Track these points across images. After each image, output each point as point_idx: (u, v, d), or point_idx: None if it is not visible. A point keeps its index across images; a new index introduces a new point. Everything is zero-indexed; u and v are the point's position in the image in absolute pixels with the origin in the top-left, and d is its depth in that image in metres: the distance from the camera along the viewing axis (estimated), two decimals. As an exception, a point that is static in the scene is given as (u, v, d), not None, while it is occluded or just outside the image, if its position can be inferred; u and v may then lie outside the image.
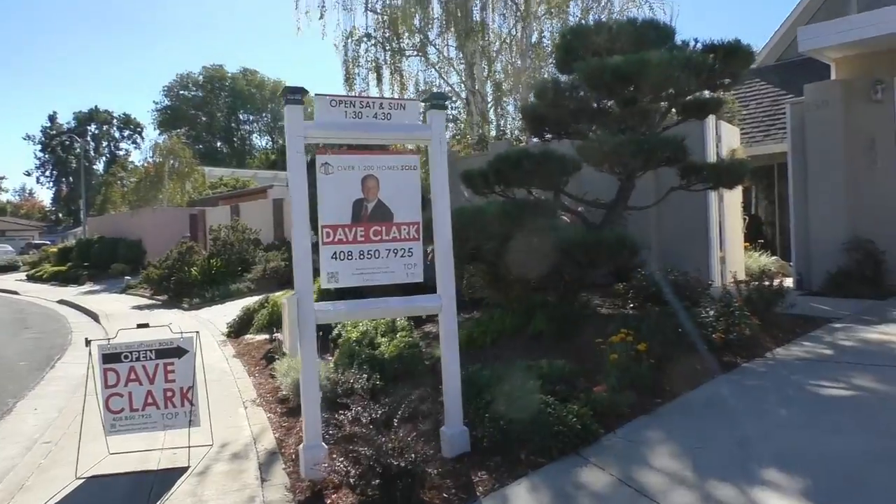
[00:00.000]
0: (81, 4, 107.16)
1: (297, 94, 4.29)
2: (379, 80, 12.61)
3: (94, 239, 32.42)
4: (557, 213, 7.87)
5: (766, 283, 7.15)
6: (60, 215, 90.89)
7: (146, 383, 5.27)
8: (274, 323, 11.04)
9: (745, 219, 10.90)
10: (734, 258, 10.22)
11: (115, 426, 5.29)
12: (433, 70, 13.20)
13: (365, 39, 12.85)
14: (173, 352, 5.30)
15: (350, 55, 12.55)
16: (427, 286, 4.78)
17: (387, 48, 12.62)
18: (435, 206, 4.67)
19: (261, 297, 14.89)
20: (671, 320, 6.02)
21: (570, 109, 7.63)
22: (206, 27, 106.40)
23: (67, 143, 78.69)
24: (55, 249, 34.93)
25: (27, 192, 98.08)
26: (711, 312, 6.37)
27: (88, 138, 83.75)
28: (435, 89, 13.00)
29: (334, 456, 4.42)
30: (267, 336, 10.35)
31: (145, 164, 34.45)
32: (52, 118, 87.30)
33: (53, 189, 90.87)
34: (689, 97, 7.82)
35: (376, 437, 4.13)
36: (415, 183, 4.66)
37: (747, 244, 11.89)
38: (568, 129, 7.91)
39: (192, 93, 75.15)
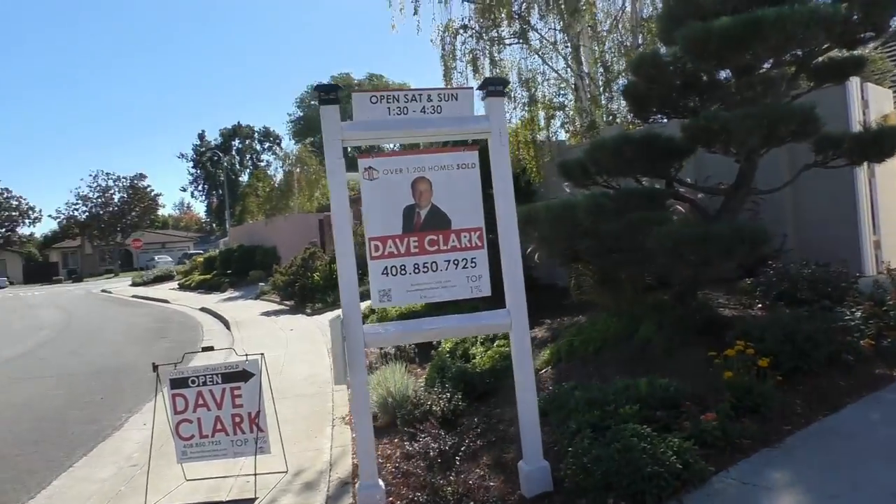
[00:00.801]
0: (217, 34, 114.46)
1: (332, 93, 3.83)
2: (475, 71, 12.00)
3: (234, 248, 34.23)
4: (667, 202, 6.95)
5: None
6: (214, 226, 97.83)
7: (214, 409, 5.04)
8: (382, 329, 10.81)
9: (903, 195, 9.32)
10: (893, 243, 8.74)
11: (186, 453, 5.11)
12: (536, 56, 12.41)
13: (461, 31, 12.30)
14: (239, 375, 5.03)
15: (447, 49, 12.07)
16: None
17: (484, 37, 11.98)
18: (499, 208, 4.06)
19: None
20: (806, 324, 5.01)
21: (676, 85, 6.70)
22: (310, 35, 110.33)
23: (215, 158, 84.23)
24: (201, 259, 37.25)
25: (185, 206, 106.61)
26: (858, 313, 5.29)
27: (233, 152, 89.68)
28: (539, 77, 12.23)
29: (394, 497, 3.93)
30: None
31: (273, 175, 36.02)
32: (200, 136, 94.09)
33: (206, 202, 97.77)
34: (820, 58, 6.65)
35: (434, 479, 3.60)
36: (474, 182, 4.07)
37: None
38: (676, 107, 6.97)
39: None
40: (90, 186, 63.57)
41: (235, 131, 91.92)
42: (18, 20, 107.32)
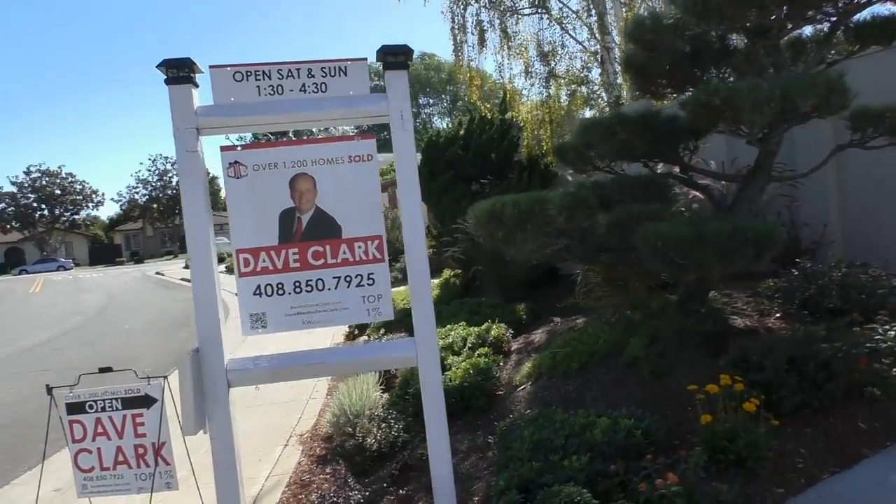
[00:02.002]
0: (278, 13, 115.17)
1: (182, 69, 3.05)
2: (482, 45, 11.00)
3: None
4: (673, 192, 5.94)
5: None
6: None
7: (115, 438, 4.35)
8: (392, 325, 10.11)
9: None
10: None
11: (87, 486, 4.45)
12: (557, 27, 11.32)
13: (472, 1, 11.30)
14: (140, 401, 4.34)
15: (457, 21, 11.13)
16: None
17: (497, 6, 10.95)
18: (402, 208, 3.22)
19: (395, 289, 14.19)
20: (820, 346, 4.01)
21: (683, 53, 5.65)
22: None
23: (273, 138, 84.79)
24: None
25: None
26: (892, 332, 4.24)
27: (290, 134, 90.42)
28: (559, 49, 11.13)
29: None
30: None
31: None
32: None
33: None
34: (859, 14, 5.50)
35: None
36: (370, 179, 3.25)
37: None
38: (685, 79, 5.92)
39: (375, 82, 77.46)
40: (149, 170, 65.07)
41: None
42: (68, 19, 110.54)
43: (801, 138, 7.63)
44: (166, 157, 65.60)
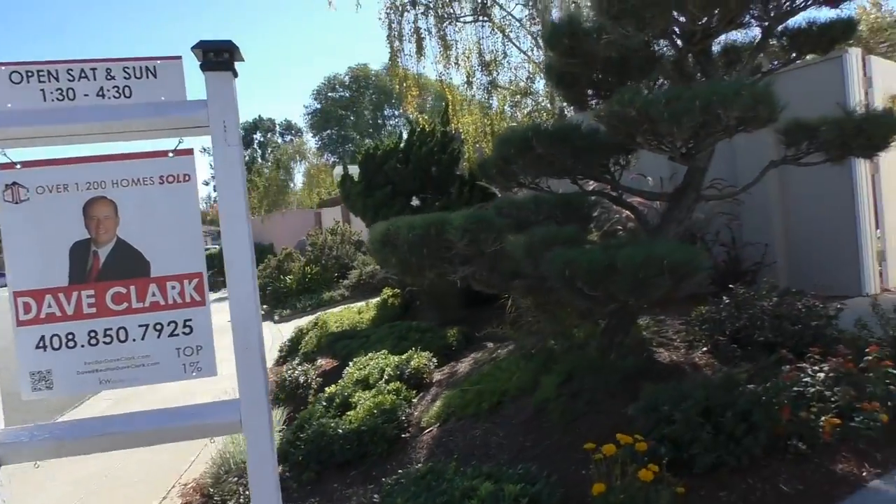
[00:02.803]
0: (234, 26, 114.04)
1: (-60, 69, 2.44)
2: (420, 53, 10.50)
3: (231, 245, 33.18)
4: (592, 212, 5.45)
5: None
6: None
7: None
8: (321, 350, 9.48)
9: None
10: (904, 252, 7.13)
11: None
12: (499, 35, 10.85)
13: (409, 7, 10.77)
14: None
15: (393, 28, 10.61)
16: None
17: (436, 13, 10.44)
18: (226, 236, 2.65)
19: (336, 309, 13.54)
20: (740, 393, 3.51)
21: (605, 60, 5.18)
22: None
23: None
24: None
25: (213, 199, 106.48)
26: (821, 373, 3.77)
27: (255, 146, 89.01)
28: (502, 60, 10.65)
29: None
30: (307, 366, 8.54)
31: (267, 168, 34.88)
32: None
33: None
34: (794, 20, 5.09)
35: None
36: (187, 204, 2.66)
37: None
38: (614, 89, 5.44)
39: (340, 94, 76.77)
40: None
41: (257, 125, 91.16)
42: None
43: (744, 152, 7.25)
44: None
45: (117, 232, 2.61)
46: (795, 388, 3.70)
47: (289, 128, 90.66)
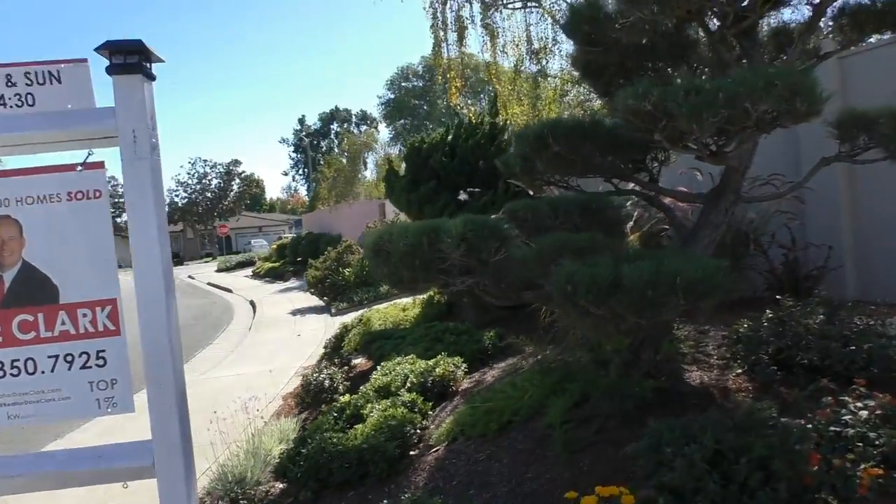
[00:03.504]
0: (313, 21, 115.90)
1: None
2: (461, 42, 10.06)
3: (302, 235, 33.76)
4: (617, 215, 4.95)
5: None
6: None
7: None
8: (360, 350, 9.25)
9: None
10: None
11: None
12: (549, 20, 10.27)
13: (454, -5, 10.35)
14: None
15: (437, 18, 10.23)
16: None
17: (483, 1, 9.97)
18: (135, 260, 2.38)
19: (382, 305, 13.33)
20: (761, 435, 3.01)
21: (630, 47, 4.66)
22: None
23: (315, 142, 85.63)
24: (275, 246, 37.06)
25: (293, 189, 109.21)
26: (865, 411, 3.21)
27: (332, 136, 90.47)
28: (549, 47, 10.08)
29: None
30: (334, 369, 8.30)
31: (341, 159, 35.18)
32: (301, 121, 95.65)
33: (306, 186, 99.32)
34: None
35: None
36: (99, 223, 2.41)
37: None
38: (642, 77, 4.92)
39: (413, 83, 76.88)
40: (189, 173, 65.81)
41: (333, 115, 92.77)
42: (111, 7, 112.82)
43: (808, 143, 6.53)
44: (205, 160, 66.34)
45: (23, 254, 2.38)
46: (833, 428, 3.16)
47: (364, 118, 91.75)
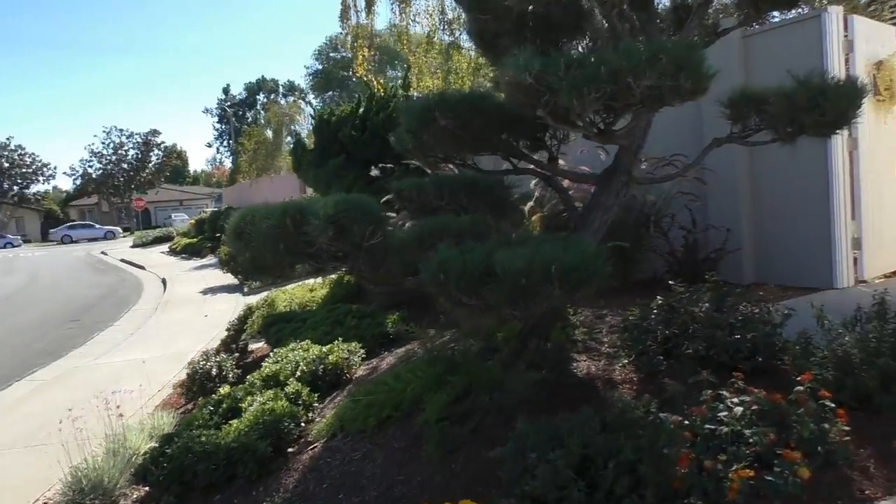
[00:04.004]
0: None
1: None
2: (369, 7, 9.58)
3: (221, 210, 32.57)
4: (506, 196, 4.70)
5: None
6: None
7: None
8: (263, 332, 8.76)
9: (905, 174, 6.80)
10: (883, 234, 6.34)
11: None
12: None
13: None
14: None
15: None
16: None
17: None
18: None
19: (290, 286, 12.86)
20: (637, 433, 2.82)
21: (522, 15, 4.39)
22: None
23: (241, 113, 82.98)
24: (194, 222, 35.65)
25: (218, 161, 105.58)
26: (740, 407, 3.07)
27: (258, 107, 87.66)
28: (464, 17, 9.69)
29: None
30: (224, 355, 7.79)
31: (255, 130, 34.03)
32: (225, 91, 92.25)
33: (231, 159, 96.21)
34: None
35: None
36: None
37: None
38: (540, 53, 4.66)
39: (342, 54, 75.15)
40: (104, 143, 62.64)
41: (260, 85, 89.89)
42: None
43: (713, 121, 6.43)
44: (121, 130, 63.24)
45: None
46: (708, 426, 3.00)
47: (292, 89, 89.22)
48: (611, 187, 4.32)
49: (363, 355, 6.34)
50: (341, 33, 9.57)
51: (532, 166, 4.90)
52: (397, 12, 9.65)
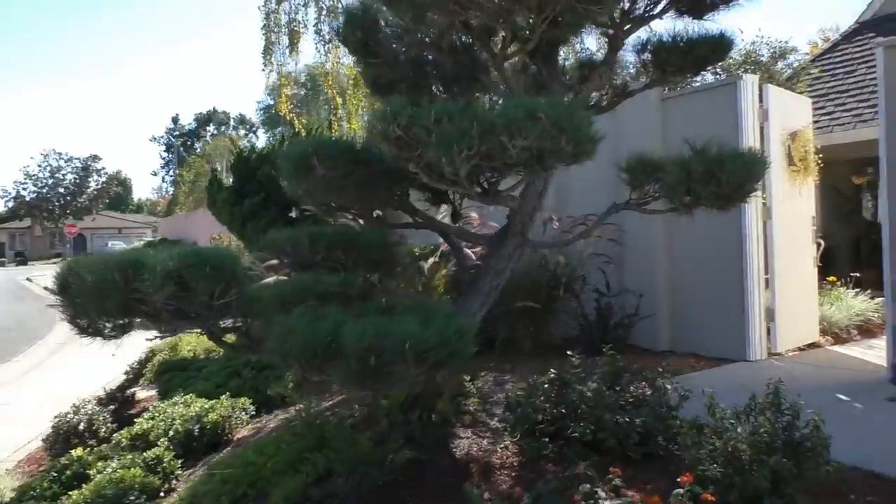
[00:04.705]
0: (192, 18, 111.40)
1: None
2: (293, 45, 9.29)
3: (155, 241, 31.52)
4: (396, 252, 4.33)
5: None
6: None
7: None
8: (157, 379, 8.08)
9: (819, 243, 6.73)
10: (797, 305, 6.19)
11: None
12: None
13: (286, -3, 9.55)
14: None
15: (271, 19, 9.40)
16: None
17: (319, 4, 9.24)
18: None
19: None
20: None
21: (423, 64, 4.11)
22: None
23: (189, 143, 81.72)
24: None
25: (164, 190, 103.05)
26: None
27: (208, 138, 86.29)
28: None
29: None
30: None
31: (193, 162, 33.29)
32: (174, 120, 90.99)
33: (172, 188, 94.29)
34: (654, 33, 4.10)
35: None
36: None
37: (835, 278, 7.67)
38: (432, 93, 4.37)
39: (295, 91, 74.91)
40: (40, 165, 60.46)
41: (210, 117, 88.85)
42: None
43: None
44: (60, 153, 61.20)
45: None
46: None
47: (242, 122, 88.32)
48: (502, 250, 4.01)
49: (252, 412, 5.84)
50: (264, 70, 9.26)
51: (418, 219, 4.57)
52: (322, 52, 9.37)
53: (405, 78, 4.35)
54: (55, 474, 4.49)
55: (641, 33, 4.21)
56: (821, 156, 6.61)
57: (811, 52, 10.63)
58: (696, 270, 6.13)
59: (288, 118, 10.08)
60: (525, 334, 6.16)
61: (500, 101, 4.26)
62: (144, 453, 4.65)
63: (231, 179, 10.96)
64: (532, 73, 4.46)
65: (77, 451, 4.87)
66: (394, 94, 4.54)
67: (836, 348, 6.25)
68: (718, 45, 4.15)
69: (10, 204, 60.99)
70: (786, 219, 6.00)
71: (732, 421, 3.26)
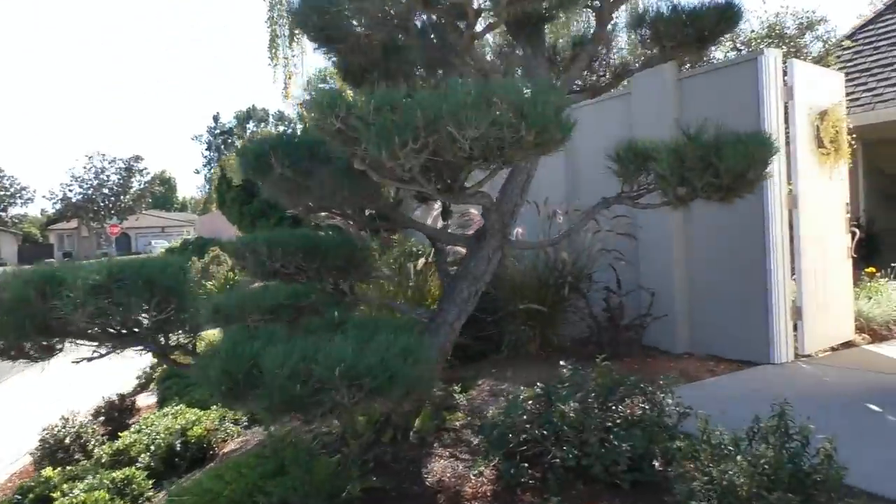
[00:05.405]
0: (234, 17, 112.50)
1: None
2: (292, 38, 8.96)
3: (192, 239, 31.82)
4: (364, 256, 3.96)
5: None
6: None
7: None
8: (160, 385, 7.88)
9: (853, 232, 6.13)
10: (828, 301, 5.63)
11: None
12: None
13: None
14: None
15: (276, 12, 9.09)
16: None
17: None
18: None
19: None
20: None
21: (392, 48, 3.73)
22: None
23: (229, 141, 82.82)
24: (162, 251, 34.87)
25: (206, 189, 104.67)
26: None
27: (247, 135, 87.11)
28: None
29: None
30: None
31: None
32: (215, 119, 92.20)
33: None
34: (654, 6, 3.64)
35: None
36: None
37: (875, 269, 7.05)
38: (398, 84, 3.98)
39: (332, 85, 75.21)
40: (85, 167, 61.86)
41: (250, 114, 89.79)
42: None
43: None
44: (103, 155, 62.51)
45: None
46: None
47: (282, 118, 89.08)
48: (481, 253, 3.60)
49: (246, 423, 5.57)
50: (270, 63, 8.96)
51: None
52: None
53: (377, 64, 3.98)
54: (18, 497, 4.26)
55: (638, 6, 3.76)
56: (858, 136, 6.02)
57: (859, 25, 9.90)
58: (716, 266, 5.62)
59: (297, 110, 9.79)
60: (531, 336, 5.75)
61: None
62: (114, 473, 4.39)
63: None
64: (521, 56, 4.04)
65: (46, 472, 4.64)
66: (364, 83, 4.19)
67: (873, 347, 5.68)
68: (724, 15, 3.66)
69: (58, 206, 62.59)
70: (815, 206, 5.45)
71: (731, 448, 2.81)
